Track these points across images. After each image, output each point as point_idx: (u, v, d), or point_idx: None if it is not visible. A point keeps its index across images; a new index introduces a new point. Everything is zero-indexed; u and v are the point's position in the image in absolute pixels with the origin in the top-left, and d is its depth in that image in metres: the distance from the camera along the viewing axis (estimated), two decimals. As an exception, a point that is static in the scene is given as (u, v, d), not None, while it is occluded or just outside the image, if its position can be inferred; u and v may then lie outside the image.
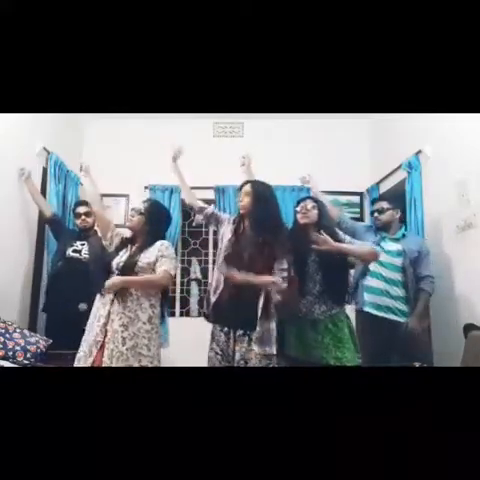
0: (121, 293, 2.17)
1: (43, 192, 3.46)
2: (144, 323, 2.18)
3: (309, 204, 2.40)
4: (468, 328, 2.42)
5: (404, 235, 2.88)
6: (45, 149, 3.47)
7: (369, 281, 2.79)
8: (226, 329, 2.12)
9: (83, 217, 3.13)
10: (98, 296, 2.27)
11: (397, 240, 2.83)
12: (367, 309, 2.75)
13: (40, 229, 3.40)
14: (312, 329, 2.28)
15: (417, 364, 2.30)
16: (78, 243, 3.11)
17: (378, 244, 2.75)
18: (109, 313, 2.16)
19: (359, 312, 2.81)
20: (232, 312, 2.10)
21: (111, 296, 2.18)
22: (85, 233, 3.15)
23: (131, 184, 4.27)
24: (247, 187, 2.27)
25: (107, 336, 2.12)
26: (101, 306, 2.21)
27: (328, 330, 2.28)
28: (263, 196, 2.24)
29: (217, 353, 2.11)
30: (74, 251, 3.07)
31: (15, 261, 3.07)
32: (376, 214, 2.92)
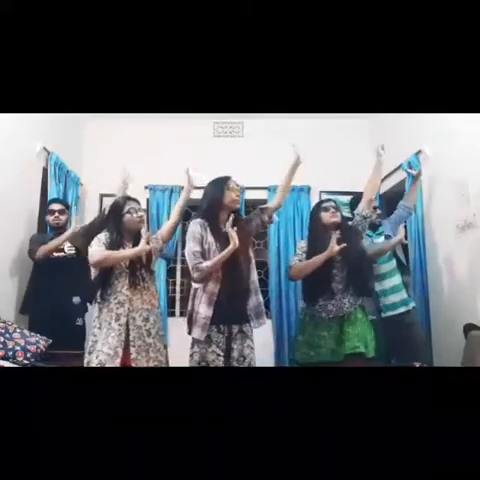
0: (137, 291, 2.21)
1: (43, 192, 3.46)
2: (157, 308, 2.29)
3: (333, 204, 2.51)
4: (468, 328, 2.41)
5: (382, 229, 2.98)
6: (45, 149, 3.47)
7: (378, 286, 2.82)
8: (222, 327, 2.13)
9: (56, 214, 3.08)
10: (105, 296, 2.21)
11: (380, 235, 2.94)
12: (389, 314, 2.78)
13: (40, 229, 3.39)
14: (343, 323, 2.35)
15: (417, 364, 2.30)
16: None
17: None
18: (129, 312, 2.16)
19: (379, 320, 2.81)
20: (226, 309, 2.12)
21: (128, 294, 2.18)
22: (57, 231, 3.06)
23: (131, 184, 4.27)
24: (235, 184, 2.30)
25: (131, 334, 2.14)
26: (117, 306, 2.17)
27: (359, 320, 2.35)
28: None
29: (219, 355, 2.10)
30: (57, 251, 3.01)
31: (15, 261, 3.07)
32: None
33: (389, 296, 2.79)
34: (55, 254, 3.00)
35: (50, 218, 3.10)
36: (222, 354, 2.10)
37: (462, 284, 2.75)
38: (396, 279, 2.82)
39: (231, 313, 2.13)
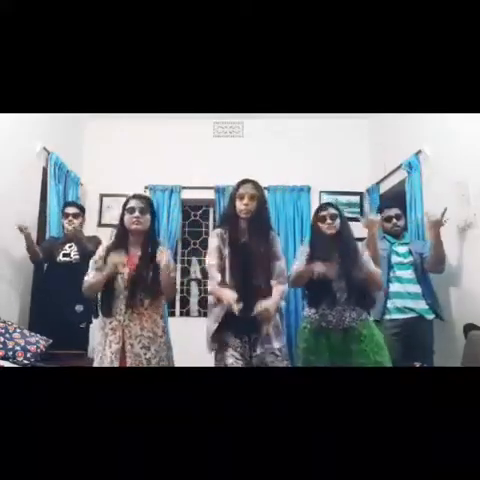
0: (135, 317, 2.09)
1: (43, 192, 3.46)
2: (161, 336, 2.15)
3: (332, 212, 2.29)
4: (468, 328, 2.42)
5: (409, 240, 2.98)
6: (45, 149, 3.47)
7: (389, 288, 2.80)
8: (239, 335, 2.06)
9: (70, 218, 3.10)
10: (102, 319, 2.13)
11: (406, 244, 2.92)
12: (394, 316, 2.75)
13: (40, 228, 3.40)
14: (345, 338, 2.24)
15: (417, 364, 2.30)
16: (66, 246, 3.09)
17: (391, 248, 2.88)
18: (124, 339, 2.05)
19: (383, 321, 2.76)
20: (244, 319, 2.00)
21: (121, 320, 2.07)
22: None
23: (131, 184, 4.28)
24: (251, 189, 2.12)
25: (128, 361, 2.04)
26: (111, 331, 2.08)
27: (363, 336, 2.24)
28: (265, 201, 2.21)
29: (238, 359, 2.03)
30: (64, 255, 3.06)
31: (15, 262, 3.07)
32: (394, 220, 2.94)
33: (406, 299, 2.75)
34: (62, 259, 3.04)
35: (64, 221, 3.13)
36: (240, 358, 2.03)
37: (462, 284, 2.75)
38: (416, 287, 2.79)
39: (246, 324, 2.01)
